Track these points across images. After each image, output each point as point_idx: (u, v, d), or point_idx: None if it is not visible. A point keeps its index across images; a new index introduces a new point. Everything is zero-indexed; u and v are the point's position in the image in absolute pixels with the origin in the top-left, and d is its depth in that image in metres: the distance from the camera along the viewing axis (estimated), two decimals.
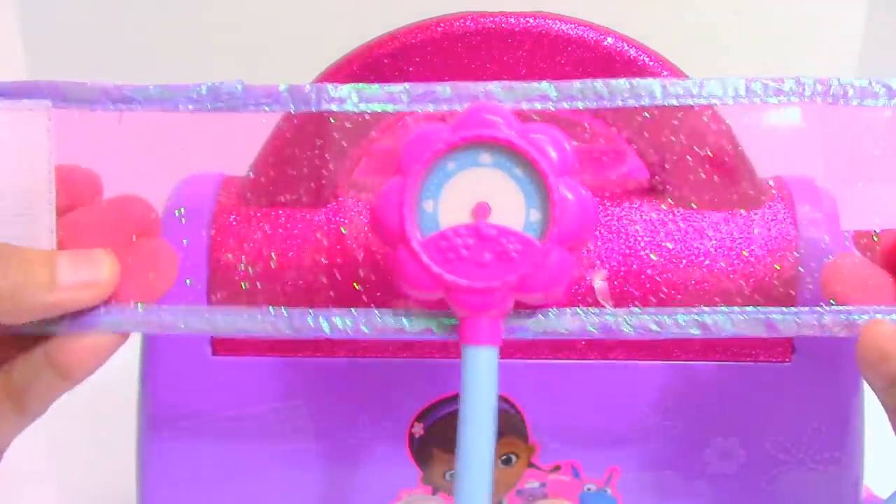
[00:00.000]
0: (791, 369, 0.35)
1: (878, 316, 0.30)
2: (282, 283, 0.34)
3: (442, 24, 0.34)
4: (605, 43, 0.34)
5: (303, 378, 0.36)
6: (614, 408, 0.36)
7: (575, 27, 0.34)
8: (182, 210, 0.36)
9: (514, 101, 0.30)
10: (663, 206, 0.35)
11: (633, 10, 0.72)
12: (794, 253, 0.34)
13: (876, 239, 0.32)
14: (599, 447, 0.36)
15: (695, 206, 0.35)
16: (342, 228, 0.35)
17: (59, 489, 0.54)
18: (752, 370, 0.35)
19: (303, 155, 0.35)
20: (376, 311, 0.31)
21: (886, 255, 0.32)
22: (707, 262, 0.34)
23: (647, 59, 0.34)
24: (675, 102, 0.30)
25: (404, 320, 0.31)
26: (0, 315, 0.28)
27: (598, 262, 0.35)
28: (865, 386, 0.33)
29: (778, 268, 0.34)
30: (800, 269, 0.34)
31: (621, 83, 0.30)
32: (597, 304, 0.34)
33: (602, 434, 0.36)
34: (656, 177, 0.35)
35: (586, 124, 0.36)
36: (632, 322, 0.31)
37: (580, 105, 0.31)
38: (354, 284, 0.34)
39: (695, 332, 0.31)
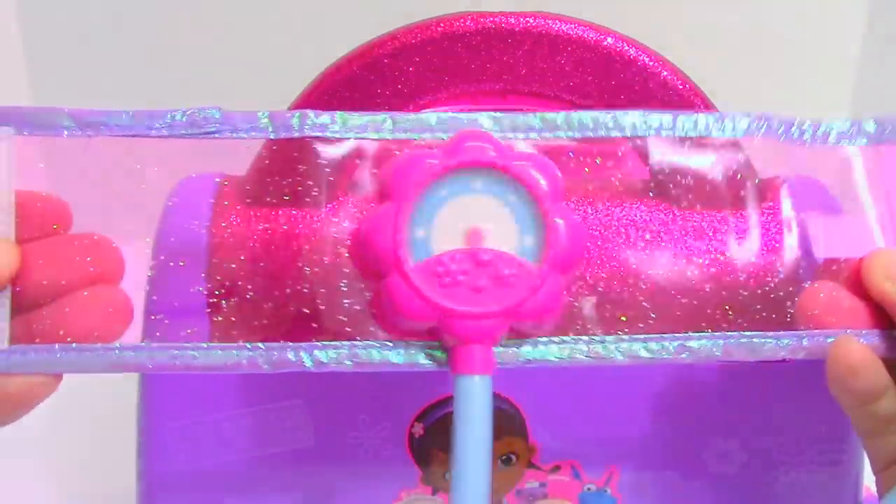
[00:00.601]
0: (791, 369, 0.35)
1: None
2: (282, 286, 0.34)
3: (442, 24, 0.34)
4: (605, 43, 0.34)
5: (303, 378, 0.36)
6: (614, 408, 0.36)
7: (575, 27, 0.34)
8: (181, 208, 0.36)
9: (500, 132, 0.31)
10: (663, 207, 0.35)
11: (633, 10, 0.72)
12: (794, 253, 0.34)
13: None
14: (599, 447, 0.36)
15: (695, 207, 0.35)
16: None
17: (59, 489, 0.54)
18: (752, 370, 0.35)
19: (303, 155, 0.35)
20: (359, 345, 0.30)
21: (851, 282, 0.32)
22: (707, 262, 0.34)
23: (647, 59, 0.34)
24: (652, 134, 0.31)
25: (390, 354, 0.30)
26: None
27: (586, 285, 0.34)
28: None
29: (779, 267, 0.34)
30: (800, 270, 0.34)
31: (604, 116, 0.31)
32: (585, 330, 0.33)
33: (602, 434, 0.36)
34: (656, 177, 0.35)
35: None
36: (622, 349, 0.31)
37: (563, 135, 0.31)
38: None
39: (684, 356, 0.31)
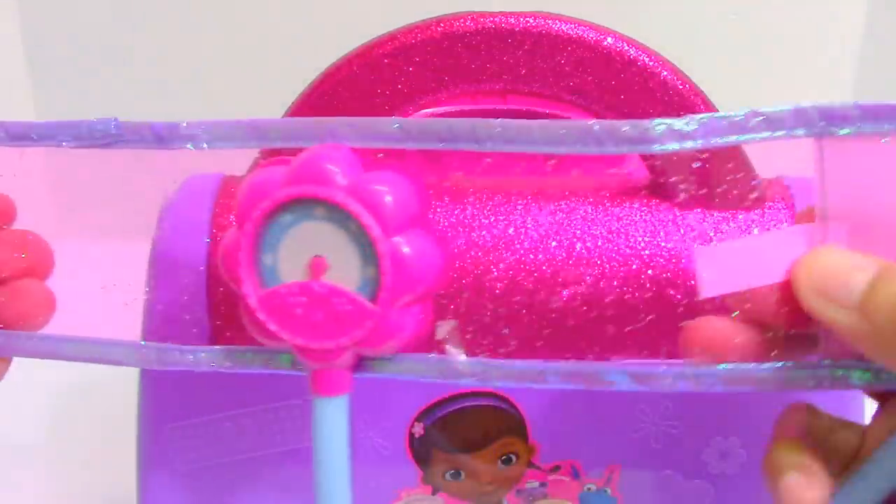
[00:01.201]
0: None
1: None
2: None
3: (442, 24, 0.34)
4: (605, 43, 0.34)
5: (303, 378, 0.36)
6: (614, 408, 0.36)
7: (575, 27, 0.34)
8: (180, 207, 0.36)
9: (360, 140, 0.29)
10: (663, 207, 0.35)
11: (633, 10, 0.72)
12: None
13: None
14: (599, 447, 0.36)
15: (695, 207, 0.35)
16: None
17: (59, 489, 0.54)
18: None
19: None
20: (242, 350, 0.31)
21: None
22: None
23: (647, 59, 0.34)
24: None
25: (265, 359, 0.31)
26: None
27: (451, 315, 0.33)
28: None
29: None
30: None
31: (494, 127, 0.28)
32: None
33: (602, 434, 0.36)
34: (656, 177, 0.35)
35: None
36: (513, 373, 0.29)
37: (420, 146, 0.29)
38: None
39: (623, 384, 0.29)
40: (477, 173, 0.37)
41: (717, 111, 0.34)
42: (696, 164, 0.34)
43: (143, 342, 0.32)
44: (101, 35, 0.74)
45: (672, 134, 0.27)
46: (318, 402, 0.30)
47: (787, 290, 0.27)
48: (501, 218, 0.35)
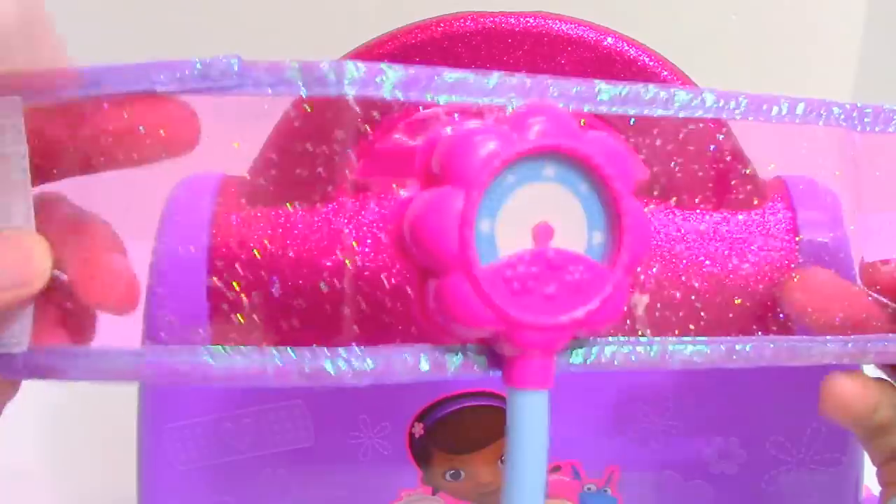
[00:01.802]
0: (791, 369, 0.35)
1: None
2: (284, 287, 0.34)
3: (442, 24, 0.34)
4: (605, 43, 0.34)
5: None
6: (614, 408, 0.36)
7: (575, 27, 0.34)
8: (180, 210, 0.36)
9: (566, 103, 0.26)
10: (663, 207, 0.35)
11: (633, 10, 0.72)
12: (795, 253, 0.34)
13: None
14: (599, 447, 0.36)
15: (694, 207, 0.35)
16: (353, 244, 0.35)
17: (59, 489, 0.54)
18: (751, 370, 0.35)
19: (302, 155, 0.35)
20: (404, 352, 0.26)
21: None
22: (707, 262, 0.34)
23: (647, 59, 0.34)
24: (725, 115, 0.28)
25: (441, 361, 0.26)
26: None
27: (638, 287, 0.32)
28: None
29: (777, 269, 0.34)
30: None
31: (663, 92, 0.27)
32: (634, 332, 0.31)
33: (602, 434, 0.36)
34: (657, 177, 0.35)
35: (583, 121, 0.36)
36: (679, 355, 0.28)
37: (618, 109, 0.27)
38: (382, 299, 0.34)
39: (734, 359, 0.29)
40: None
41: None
42: (695, 165, 0.34)
43: (292, 352, 0.26)
44: (100, 35, 0.74)
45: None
46: (518, 396, 0.26)
47: None
48: None
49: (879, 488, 0.32)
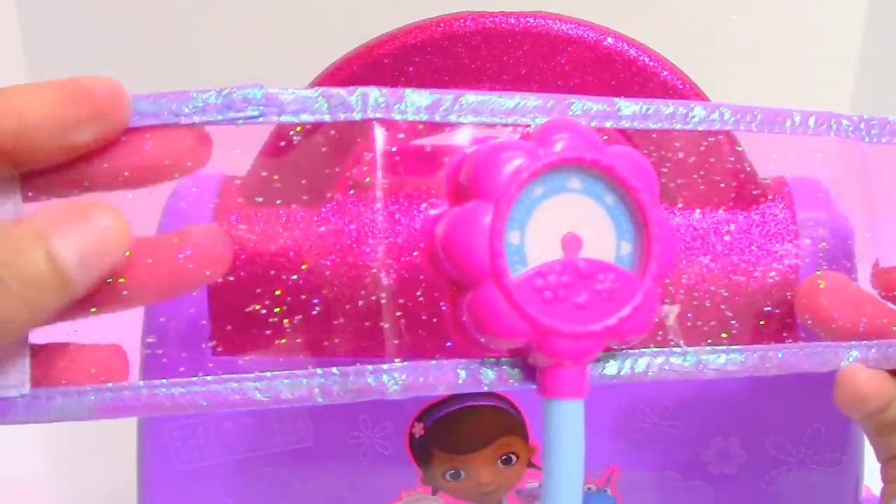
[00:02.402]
0: None
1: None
2: (285, 287, 0.34)
3: (442, 24, 0.34)
4: (605, 43, 0.34)
5: None
6: (614, 408, 0.36)
7: (575, 27, 0.34)
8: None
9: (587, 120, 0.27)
10: (662, 207, 0.35)
11: (633, 10, 0.72)
12: (795, 254, 0.34)
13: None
14: (599, 447, 0.36)
15: (694, 207, 0.35)
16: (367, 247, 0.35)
17: (59, 489, 0.54)
18: None
19: (303, 154, 0.35)
20: (444, 366, 0.27)
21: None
22: (707, 261, 0.34)
23: (647, 60, 0.34)
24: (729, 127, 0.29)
25: (480, 373, 0.27)
26: None
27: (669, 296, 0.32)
28: None
29: (777, 268, 0.34)
30: (799, 271, 0.34)
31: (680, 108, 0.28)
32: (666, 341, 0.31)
33: (602, 434, 0.36)
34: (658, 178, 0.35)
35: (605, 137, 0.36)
36: (713, 364, 0.28)
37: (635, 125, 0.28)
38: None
39: (771, 370, 0.29)
40: None
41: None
42: (695, 165, 0.34)
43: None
44: (100, 35, 0.74)
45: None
46: (554, 406, 0.27)
47: None
48: None
49: (880, 487, 0.32)
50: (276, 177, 0.35)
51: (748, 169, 0.35)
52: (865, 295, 0.31)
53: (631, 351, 0.28)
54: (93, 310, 0.25)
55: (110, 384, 0.25)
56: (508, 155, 0.25)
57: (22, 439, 0.56)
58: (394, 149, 0.30)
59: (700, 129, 0.29)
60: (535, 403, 0.36)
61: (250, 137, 0.35)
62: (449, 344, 0.27)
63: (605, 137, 0.27)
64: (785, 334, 0.34)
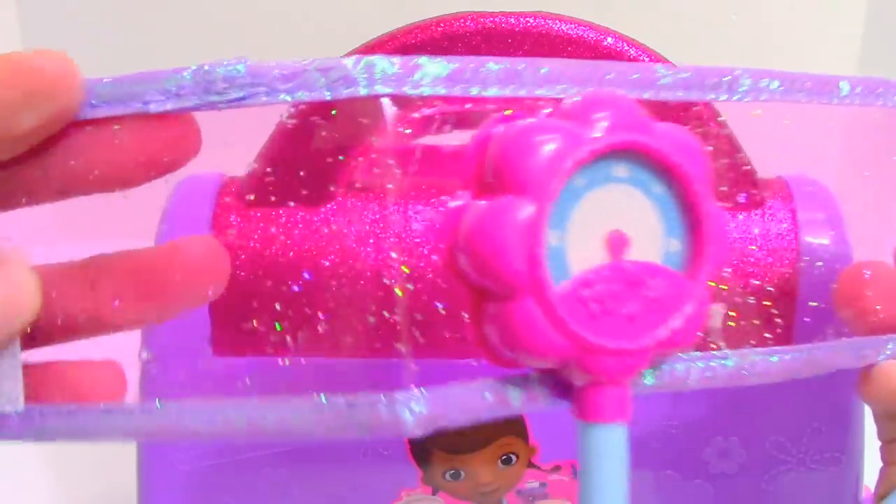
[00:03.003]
0: None
1: None
2: (286, 288, 0.34)
3: (442, 24, 0.34)
4: (605, 43, 0.34)
5: (303, 378, 0.36)
6: None
7: (575, 27, 0.34)
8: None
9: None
10: None
11: (633, 10, 0.72)
12: (794, 254, 0.34)
13: None
14: None
15: None
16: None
17: (59, 489, 0.54)
18: None
19: (303, 154, 0.35)
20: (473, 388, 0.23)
21: None
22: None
23: (647, 60, 0.34)
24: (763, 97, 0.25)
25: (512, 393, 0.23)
26: None
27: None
28: None
29: (777, 269, 0.34)
30: (800, 270, 0.34)
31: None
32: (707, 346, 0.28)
33: None
34: None
35: None
36: (758, 368, 0.26)
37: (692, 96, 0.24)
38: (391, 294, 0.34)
39: (815, 370, 0.26)
40: None
41: (717, 112, 0.34)
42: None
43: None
44: (100, 34, 0.74)
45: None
46: (594, 431, 0.23)
47: None
48: None
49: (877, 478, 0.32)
50: (276, 176, 0.35)
51: (748, 169, 0.35)
52: None
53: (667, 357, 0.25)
54: (73, 337, 0.23)
55: (102, 405, 0.23)
56: (545, 138, 0.21)
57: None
58: (408, 130, 0.28)
59: (747, 100, 0.25)
60: None
61: (250, 138, 0.35)
62: (474, 362, 0.24)
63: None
64: (784, 335, 0.34)
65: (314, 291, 0.34)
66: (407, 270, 0.32)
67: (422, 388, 0.22)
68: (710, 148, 0.34)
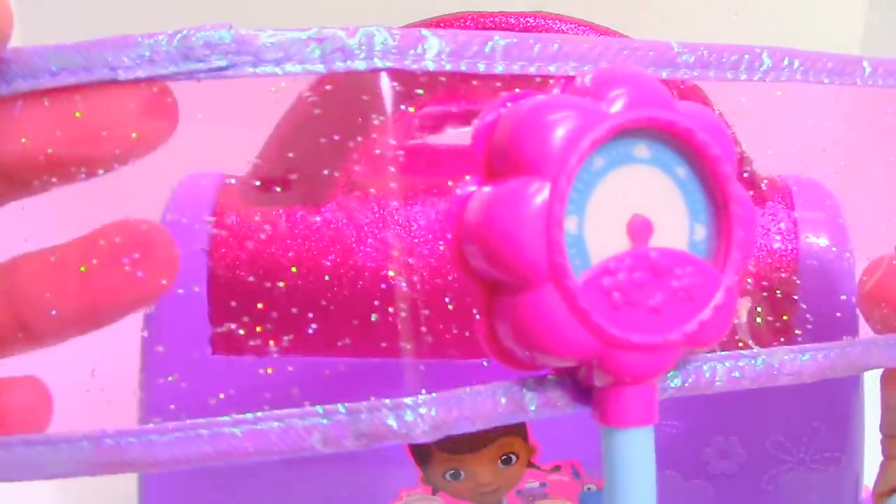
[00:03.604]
0: None
1: None
2: (286, 286, 0.34)
3: (442, 24, 0.34)
4: None
5: (303, 378, 0.36)
6: None
7: (575, 27, 0.34)
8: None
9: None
10: None
11: (633, 10, 0.72)
12: (794, 254, 0.34)
13: None
14: (599, 447, 0.36)
15: None
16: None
17: (59, 489, 0.54)
18: None
19: (303, 154, 0.35)
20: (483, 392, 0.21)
21: None
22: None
23: None
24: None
25: (525, 397, 0.21)
26: None
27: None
28: (865, 385, 0.33)
29: (777, 268, 0.34)
30: (799, 271, 0.34)
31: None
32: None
33: None
34: None
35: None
36: (788, 368, 0.24)
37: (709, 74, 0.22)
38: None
39: (849, 370, 0.25)
40: None
41: (717, 112, 0.34)
42: None
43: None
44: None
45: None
46: (619, 436, 0.22)
47: None
48: None
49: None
50: (276, 176, 0.35)
51: (748, 169, 0.35)
52: None
53: (692, 356, 0.23)
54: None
55: (23, 437, 0.20)
56: (560, 116, 0.19)
57: None
58: (411, 109, 0.25)
59: (768, 79, 0.23)
60: None
61: (250, 137, 0.35)
62: (484, 362, 0.22)
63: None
64: (782, 337, 0.34)
65: (314, 291, 0.34)
66: (407, 265, 0.32)
67: (431, 393, 0.21)
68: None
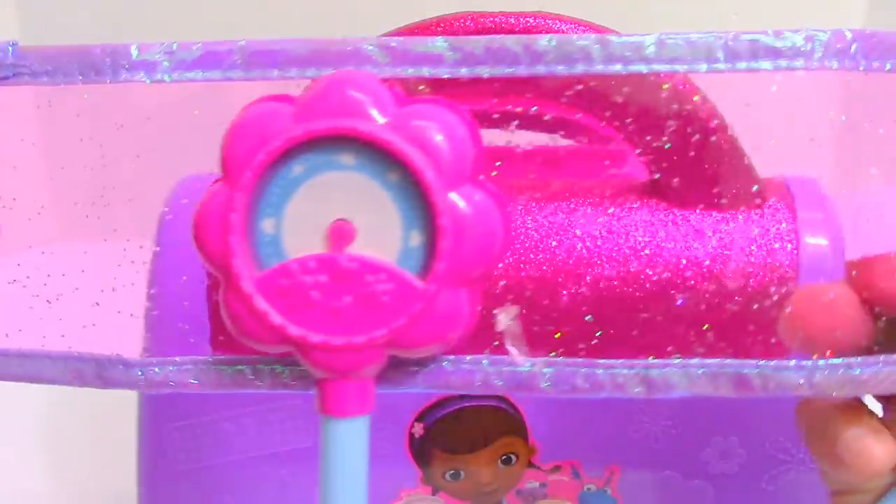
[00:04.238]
0: None
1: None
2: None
3: (442, 24, 0.34)
4: None
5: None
6: (614, 408, 0.36)
7: (575, 27, 0.34)
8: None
9: (392, 67, 0.22)
10: (662, 207, 0.35)
11: (633, 10, 0.72)
12: (794, 254, 0.34)
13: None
14: (599, 447, 0.36)
15: (694, 207, 0.35)
16: None
17: (59, 488, 0.54)
18: None
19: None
20: (213, 363, 0.23)
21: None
22: (707, 262, 0.34)
23: None
24: (619, 68, 0.24)
25: (247, 372, 0.23)
26: None
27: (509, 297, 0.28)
28: None
29: (777, 269, 0.34)
30: (799, 272, 0.34)
31: (544, 42, 0.23)
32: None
33: (602, 434, 0.36)
34: (656, 177, 0.35)
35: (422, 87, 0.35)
36: (551, 377, 0.25)
37: (485, 72, 0.22)
38: None
39: (637, 390, 0.26)
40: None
41: (717, 112, 0.34)
42: (695, 164, 0.34)
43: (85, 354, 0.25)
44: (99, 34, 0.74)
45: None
46: (331, 426, 0.23)
47: None
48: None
49: None
50: None
51: (748, 169, 0.35)
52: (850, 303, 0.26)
53: (443, 360, 0.23)
54: None
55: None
56: (252, 126, 0.21)
57: (22, 439, 0.56)
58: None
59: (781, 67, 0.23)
60: (535, 403, 0.36)
61: None
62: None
63: (421, 87, 0.22)
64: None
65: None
66: None
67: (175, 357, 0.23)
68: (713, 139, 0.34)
